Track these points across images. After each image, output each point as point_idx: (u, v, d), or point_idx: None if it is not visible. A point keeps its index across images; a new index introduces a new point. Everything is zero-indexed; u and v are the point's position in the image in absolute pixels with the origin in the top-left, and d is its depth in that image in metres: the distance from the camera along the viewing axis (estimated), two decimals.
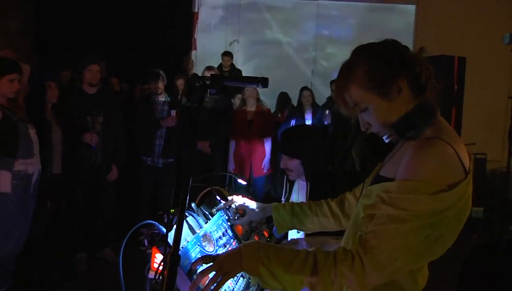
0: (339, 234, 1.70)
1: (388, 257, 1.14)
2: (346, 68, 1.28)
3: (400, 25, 8.10)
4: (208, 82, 1.35)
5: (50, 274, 3.84)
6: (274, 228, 2.18)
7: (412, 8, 8.08)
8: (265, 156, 5.52)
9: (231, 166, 5.53)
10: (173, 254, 1.12)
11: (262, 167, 5.52)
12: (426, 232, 1.13)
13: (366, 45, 1.29)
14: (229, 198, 1.91)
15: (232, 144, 5.56)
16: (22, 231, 3.20)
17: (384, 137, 1.33)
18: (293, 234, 2.27)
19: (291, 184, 2.59)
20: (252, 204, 1.88)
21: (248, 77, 1.52)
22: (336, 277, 1.17)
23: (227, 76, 1.76)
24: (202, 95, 1.38)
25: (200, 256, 1.44)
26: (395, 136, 1.29)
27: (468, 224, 1.22)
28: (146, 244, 1.55)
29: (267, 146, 5.52)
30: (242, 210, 1.89)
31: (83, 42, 6.54)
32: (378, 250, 1.14)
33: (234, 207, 1.88)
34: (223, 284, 1.23)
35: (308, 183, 2.31)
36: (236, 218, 1.89)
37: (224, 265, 1.23)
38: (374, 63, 1.23)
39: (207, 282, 1.23)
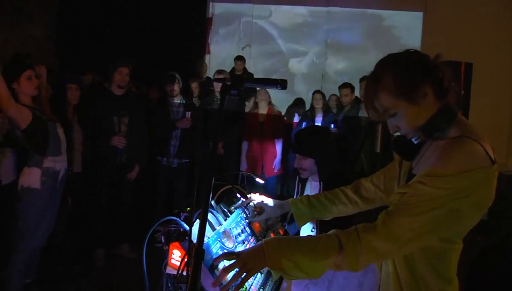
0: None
1: (412, 225, 1.24)
2: (374, 78, 1.37)
3: (408, 31, 8.07)
4: (228, 84, 1.38)
5: (70, 268, 3.94)
6: (286, 226, 2.30)
7: (420, 15, 8.08)
8: (276, 156, 5.62)
9: (244, 166, 5.62)
10: (198, 248, 1.17)
11: (273, 167, 5.62)
12: (448, 206, 1.23)
13: (390, 56, 1.38)
14: (248, 195, 1.97)
15: (245, 145, 5.67)
16: (49, 225, 3.28)
17: (413, 139, 1.43)
18: (305, 233, 2.36)
19: (303, 184, 2.63)
20: (270, 202, 1.94)
21: (268, 79, 1.54)
22: (362, 250, 1.24)
23: (248, 78, 1.82)
24: (224, 96, 1.39)
25: (220, 251, 1.48)
26: (423, 137, 1.40)
27: (474, 226, 1.32)
28: (162, 241, 1.60)
29: (278, 147, 5.63)
30: (259, 208, 1.94)
31: (103, 46, 6.71)
32: (403, 220, 1.24)
33: (252, 204, 1.94)
34: (247, 280, 1.26)
35: (321, 182, 2.36)
36: (254, 215, 1.95)
37: (248, 262, 1.26)
38: (401, 71, 1.32)
39: (229, 278, 1.27)
